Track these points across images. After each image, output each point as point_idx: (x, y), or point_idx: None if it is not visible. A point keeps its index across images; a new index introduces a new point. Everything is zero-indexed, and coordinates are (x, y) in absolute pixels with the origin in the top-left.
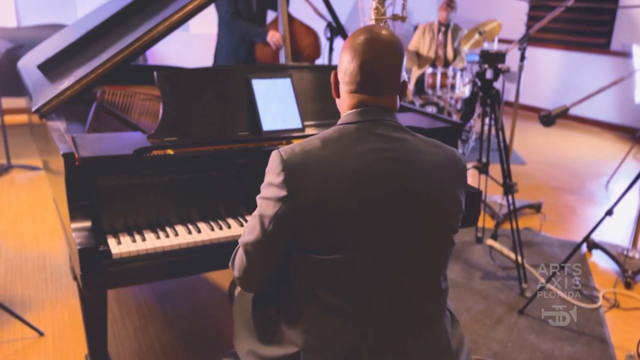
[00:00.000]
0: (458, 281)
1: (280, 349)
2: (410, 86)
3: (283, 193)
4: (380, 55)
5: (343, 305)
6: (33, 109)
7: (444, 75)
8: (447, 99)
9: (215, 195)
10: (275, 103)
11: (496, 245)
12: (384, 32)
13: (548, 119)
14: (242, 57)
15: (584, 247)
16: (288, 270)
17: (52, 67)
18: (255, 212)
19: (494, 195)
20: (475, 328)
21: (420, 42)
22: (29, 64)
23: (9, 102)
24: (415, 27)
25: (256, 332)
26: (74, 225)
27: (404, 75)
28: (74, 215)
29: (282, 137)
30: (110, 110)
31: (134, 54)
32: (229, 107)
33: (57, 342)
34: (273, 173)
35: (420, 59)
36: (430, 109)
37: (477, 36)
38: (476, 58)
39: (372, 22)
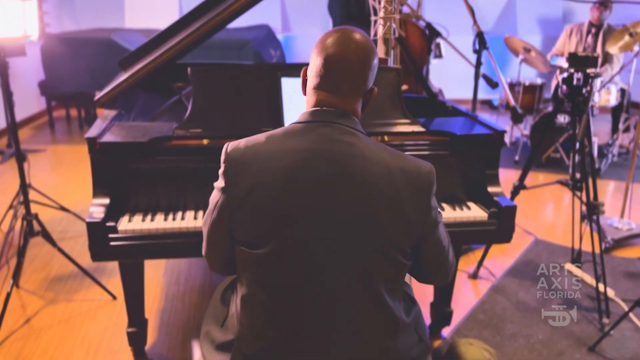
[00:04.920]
0: (529, 304)
1: (225, 334)
2: (549, 93)
3: (222, 184)
4: (346, 54)
5: (269, 301)
6: (95, 99)
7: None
8: None
9: None
10: (302, 101)
11: (577, 271)
12: (356, 34)
13: None
14: None
15: None
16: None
17: (129, 63)
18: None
19: (611, 218)
20: (527, 357)
21: (566, 45)
22: None
23: None
24: None
25: (216, 315)
26: (95, 201)
27: (370, 83)
28: (96, 192)
29: None
30: (185, 105)
31: (178, 53)
32: (256, 103)
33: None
34: (221, 164)
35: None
36: (563, 118)
37: (626, 38)
38: (561, 61)
39: (380, 21)
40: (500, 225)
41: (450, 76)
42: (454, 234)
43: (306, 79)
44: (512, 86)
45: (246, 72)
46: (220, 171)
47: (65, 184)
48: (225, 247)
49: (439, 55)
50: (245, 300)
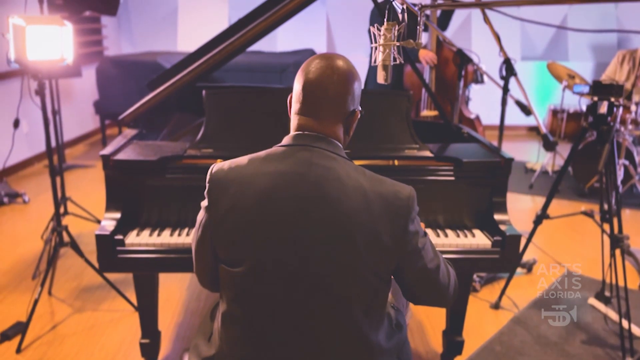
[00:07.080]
0: (550, 339)
1: (210, 349)
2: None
3: (206, 203)
4: (325, 79)
5: (245, 319)
6: (119, 118)
7: (626, 109)
8: (625, 135)
9: None
10: None
11: (600, 306)
12: (337, 60)
13: None
14: (390, 82)
15: None
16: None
17: (155, 85)
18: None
19: None
20: None
21: (617, 72)
22: None
23: None
24: None
25: (205, 330)
26: (107, 214)
27: (355, 106)
28: (109, 206)
29: None
30: None
31: (195, 77)
32: (268, 125)
33: None
34: (206, 183)
35: None
36: None
37: None
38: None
39: (380, 48)
40: (504, 254)
41: (492, 102)
42: (456, 261)
43: (291, 104)
44: (555, 113)
45: (259, 94)
46: (205, 191)
47: None
48: (211, 265)
49: (480, 81)
50: (224, 317)
